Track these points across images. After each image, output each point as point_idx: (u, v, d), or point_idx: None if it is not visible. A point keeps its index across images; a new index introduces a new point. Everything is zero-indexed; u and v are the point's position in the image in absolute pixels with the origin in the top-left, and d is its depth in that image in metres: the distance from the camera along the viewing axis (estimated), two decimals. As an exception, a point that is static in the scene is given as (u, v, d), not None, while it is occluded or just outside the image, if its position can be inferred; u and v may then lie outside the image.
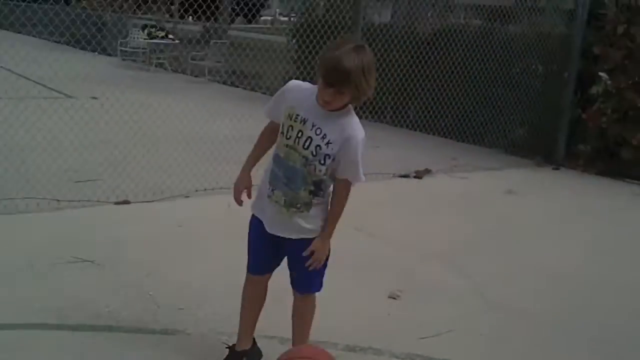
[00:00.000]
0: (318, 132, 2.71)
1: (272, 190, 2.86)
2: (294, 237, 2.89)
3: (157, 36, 16.87)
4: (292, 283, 3.10)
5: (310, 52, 8.47)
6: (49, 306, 3.74)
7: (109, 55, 18.48)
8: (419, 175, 7.55)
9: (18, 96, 9.31)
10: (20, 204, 5.35)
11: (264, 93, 14.15)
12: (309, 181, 2.78)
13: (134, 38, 17.43)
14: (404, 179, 7.47)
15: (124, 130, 7.54)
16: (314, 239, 2.91)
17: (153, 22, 18.22)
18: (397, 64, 9.75)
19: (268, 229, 2.93)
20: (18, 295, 3.86)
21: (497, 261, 5.10)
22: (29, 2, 17.94)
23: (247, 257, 3.12)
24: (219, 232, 5.08)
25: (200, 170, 6.46)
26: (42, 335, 3.47)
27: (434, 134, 10.12)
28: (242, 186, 3.01)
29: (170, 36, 17.37)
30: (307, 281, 3.05)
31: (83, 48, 21.66)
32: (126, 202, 5.72)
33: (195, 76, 15.92)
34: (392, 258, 5.00)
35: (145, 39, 16.84)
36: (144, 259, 4.55)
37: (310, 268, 2.92)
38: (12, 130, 6.83)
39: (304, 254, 2.89)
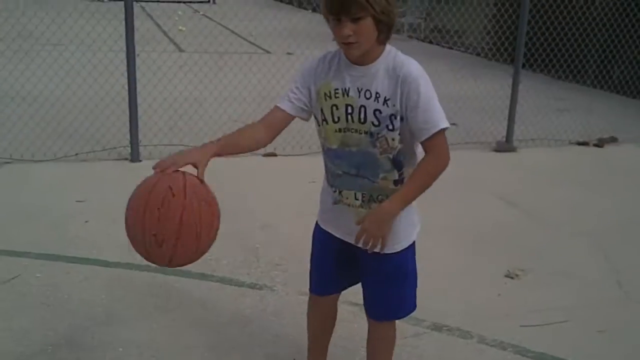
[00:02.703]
0: (368, 94, 2.09)
1: (339, 192, 2.23)
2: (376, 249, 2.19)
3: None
4: (364, 304, 2.42)
5: (511, 5, 7.83)
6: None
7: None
8: (600, 143, 6.69)
9: (219, 51, 9.81)
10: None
11: (462, 51, 13.55)
12: (386, 161, 2.15)
13: None
14: (580, 147, 6.66)
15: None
16: (402, 251, 2.26)
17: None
18: (602, 16, 8.68)
19: (344, 238, 2.28)
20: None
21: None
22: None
23: (309, 275, 2.55)
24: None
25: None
26: (133, 275, 3.62)
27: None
28: (188, 158, 2.02)
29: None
30: (385, 302, 2.35)
31: (300, 5, 22.56)
32: (273, 155, 5.80)
33: (396, 32, 15.65)
34: (527, 232, 4.48)
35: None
36: (266, 210, 4.57)
37: (360, 243, 2.15)
38: (194, 82, 7.24)
39: (356, 222, 2.17)
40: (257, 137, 2.18)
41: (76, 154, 5.53)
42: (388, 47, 2.13)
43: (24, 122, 5.95)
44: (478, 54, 12.68)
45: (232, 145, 2.13)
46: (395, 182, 2.20)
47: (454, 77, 8.85)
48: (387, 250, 2.20)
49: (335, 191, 2.25)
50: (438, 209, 4.77)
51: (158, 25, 15.11)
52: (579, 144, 6.71)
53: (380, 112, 2.08)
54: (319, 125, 2.21)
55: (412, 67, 2.09)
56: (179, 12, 17.78)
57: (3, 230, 4.08)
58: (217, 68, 8.03)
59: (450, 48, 13.83)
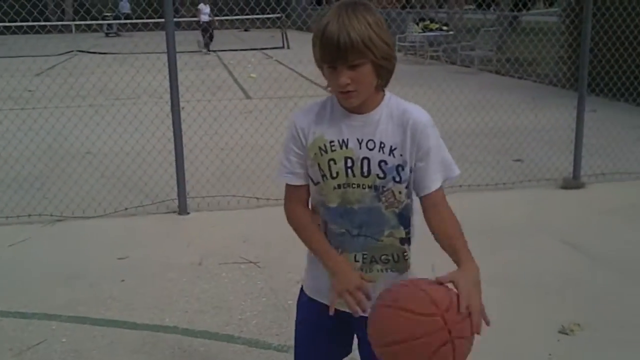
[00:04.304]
0: (371, 145, 1.89)
1: (340, 253, 1.98)
2: None
3: (432, 29, 16.62)
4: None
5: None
6: (180, 307, 3.79)
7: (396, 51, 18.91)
8: (683, 176, 6.13)
9: (285, 96, 9.82)
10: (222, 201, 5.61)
11: (534, 81, 13.06)
12: (392, 216, 1.94)
13: (410, 32, 17.46)
14: (660, 180, 6.13)
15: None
16: None
17: (430, 15, 18.06)
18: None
19: (341, 307, 1.94)
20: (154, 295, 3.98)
21: None
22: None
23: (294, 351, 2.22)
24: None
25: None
26: (159, 337, 3.49)
27: None
28: (354, 286, 1.89)
29: (445, 27, 16.99)
30: None
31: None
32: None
33: (467, 66, 15.35)
34: (589, 280, 4.07)
35: (419, 32, 16.73)
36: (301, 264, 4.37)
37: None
38: (251, 130, 7.21)
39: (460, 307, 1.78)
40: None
41: (125, 209, 5.54)
42: (387, 93, 1.95)
43: (78, 178, 6.07)
44: (554, 84, 12.15)
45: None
46: (402, 241, 1.98)
47: (520, 108, 8.47)
48: None
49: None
50: (492, 254, 4.46)
51: (230, 73, 15.43)
52: (656, 176, 6.18)
53: (386, 163, 1.89)
54: (315, 184, 1.96)
55: (421, 113, 1.93)
56: (252, 60, 18.12)
57: (40, 291, 4.07)
58: (277, 113, 8.00)
59: (522, 78, 13.34)
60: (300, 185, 1.99)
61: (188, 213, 5.47)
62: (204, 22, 20.54)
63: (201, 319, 3.67)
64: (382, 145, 1.88)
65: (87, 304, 3.87)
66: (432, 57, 16.99)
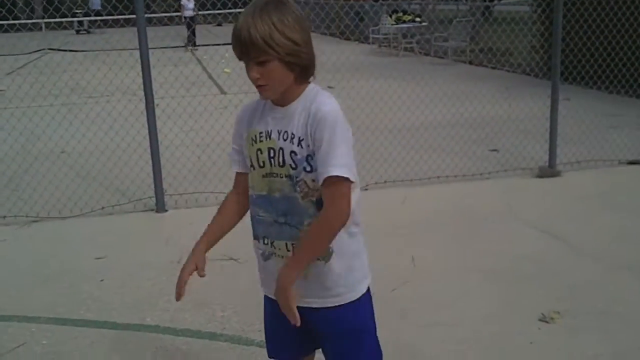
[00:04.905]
0: (285, 136, 1.94)
1: (271, 243, 2.03)
2: (316, 305, 2.01)
3: (405, 20, 16.65)
4: None
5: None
6: (160, 306, 3.76)
7: (369, 43, 18.93)
8: (654, 161, 6.23)
9: (252, 91, 9.74)
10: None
11: (508, 70, 13.17)
12: (309, 206, 1.95)
13: (384, 24, 17.48)
14: (633, 167, 6.21)
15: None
16: (349, 304, 2.01)
17: (403, 7, 18.10)
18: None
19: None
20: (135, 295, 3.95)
21: None
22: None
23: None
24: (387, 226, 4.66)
25: (404, 160, 6.10)
26: (141, 337, 3.47)
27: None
28: (189, 268, 2.08)
29: (418, 19, 17.03)
30: None
31: (347, 38, 22.57)
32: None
33: (440, 57, 15.41)
34: (567, 268, 4.12)
35: (392, 24, 16.76)
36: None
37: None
38: (216, 126, 7.18)
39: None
40: (236, 209, 2.16)
41: (102, 208, 5.48)
42: (311, 85, 1.97)
43: (52, 177, 5.99)
44: (527, 73, 12.26)
45: (218, 233, 2.16)
46: None
47: (495, 98, 8.54)
48: (322, 305, 2.00)
49: (266, 243, 2.05)
50: (471, 244, 4.50)
51: (204, 69, 15.33)
52: (630, 162, 6.26)
53: (296, 154, 1.93)
54: (251, 168, 2.05)
55: (326, 104, 1.91)
56: (226, 54, 17.99)
57: (19, 294, 4.02)
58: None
59: (496, 68, 13.44)
60: (238, 174, 2.13)
61: (166, 210, 5.43)
62: (187, 17, 20.26)
63: (182, 317, 3.65)
64: (293, 137, 1.94)
65: (67, 305, 3.83)
66: (405, 49, 17.03)
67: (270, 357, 2.26)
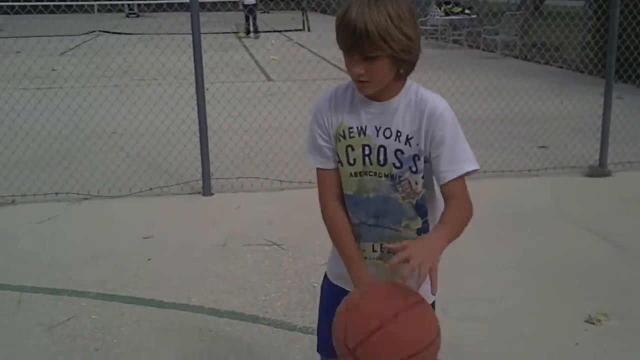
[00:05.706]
0: (387, 133, 1.86)
1: (358, 242, 1.97)
2: None
3: (455, 12, 16.45)
4: None
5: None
6: (205, 288, 3.83)
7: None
8: None
9: (308, 78, 9.78)
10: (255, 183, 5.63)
11: (560, 67, 12.90)
12: (409, 207, 1.91)
13: (433, 15, 17.30)
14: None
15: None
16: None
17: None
18: None
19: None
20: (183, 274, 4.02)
21: None
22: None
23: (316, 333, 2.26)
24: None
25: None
26: (185, 317, 3.54)
27: None
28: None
29: (468, 11, 16.80)
30: None
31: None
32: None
33: (490, 51, 15.19)
34: (617, 270, 4.04)
35: (442, 15, 16.58)
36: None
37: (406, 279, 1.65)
38: (274, 112, 7.22)
39: (390, 261, 1.67)
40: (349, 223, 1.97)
41: (150, 189, 5.58)
42: (409, 80, 1.89)
43: (103, 157, 6.12)
44: (580, 70, 11.99)
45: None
46: (419, 231, 1.94)
47: (545, 94, 8.39)
48: None
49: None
50: (518, 243, 4.44)
51: (252, 55, 15.42)
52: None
53: (403, 153, 1.85)
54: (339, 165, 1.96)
55: (438, 102, 1.86)
56: (272, 42, 18.06)
57: (69, 269, 4.13)
58: (301, 95, 7.99)
59: (547, 64, 13.18)
60: (328, 170, 1.96)
61: (212, 194, 5.50)
62: (248, 4, 19.94)
63: (226, 300, 3.70)
64: (399, 134, 1.86)
65: (115, 282, 3.92)
66: (454, 42, 16.83)
67: (320, 352, 2.23)
